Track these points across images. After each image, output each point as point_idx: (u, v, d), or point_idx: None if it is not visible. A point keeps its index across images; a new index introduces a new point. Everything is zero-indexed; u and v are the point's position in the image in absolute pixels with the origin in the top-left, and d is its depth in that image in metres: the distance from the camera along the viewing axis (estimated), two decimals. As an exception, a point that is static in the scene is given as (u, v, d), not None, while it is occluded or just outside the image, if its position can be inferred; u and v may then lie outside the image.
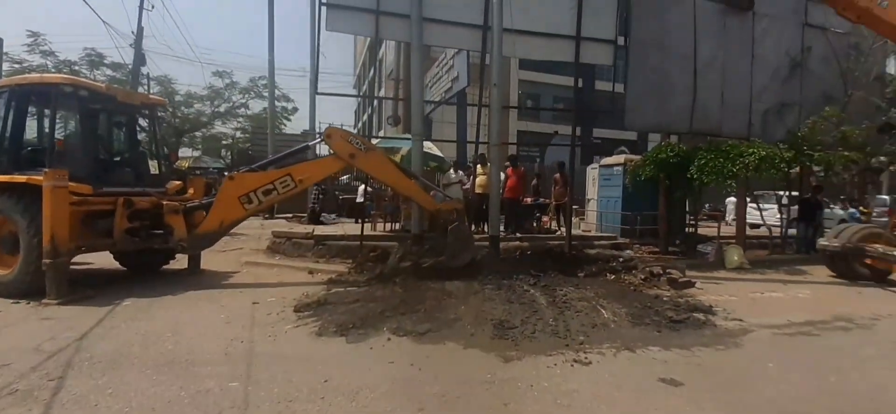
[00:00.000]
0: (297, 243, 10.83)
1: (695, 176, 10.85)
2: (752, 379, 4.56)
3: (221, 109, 35.81)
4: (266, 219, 19.04)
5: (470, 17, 9.88)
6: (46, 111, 7.57)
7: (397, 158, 11.40)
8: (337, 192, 22.39)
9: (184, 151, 36.68)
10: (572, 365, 4.67)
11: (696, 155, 11.01)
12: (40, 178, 6.52)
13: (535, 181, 15.84)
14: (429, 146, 12.33)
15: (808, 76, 12.90)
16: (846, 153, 12.13)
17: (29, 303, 6.48)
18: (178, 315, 6.10)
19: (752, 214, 14.17)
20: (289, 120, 38.56)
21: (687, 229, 13.26)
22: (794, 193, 13.92)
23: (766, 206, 15.14)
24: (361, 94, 43.06)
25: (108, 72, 29.90)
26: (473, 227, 11.35)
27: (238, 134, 39.38)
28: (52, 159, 7.12)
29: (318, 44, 10.59)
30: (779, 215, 14.15)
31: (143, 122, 9.08)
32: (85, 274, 8.43)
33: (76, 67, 28.58)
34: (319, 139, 9.00)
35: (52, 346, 4.88)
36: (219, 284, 8.10)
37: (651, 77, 11.32)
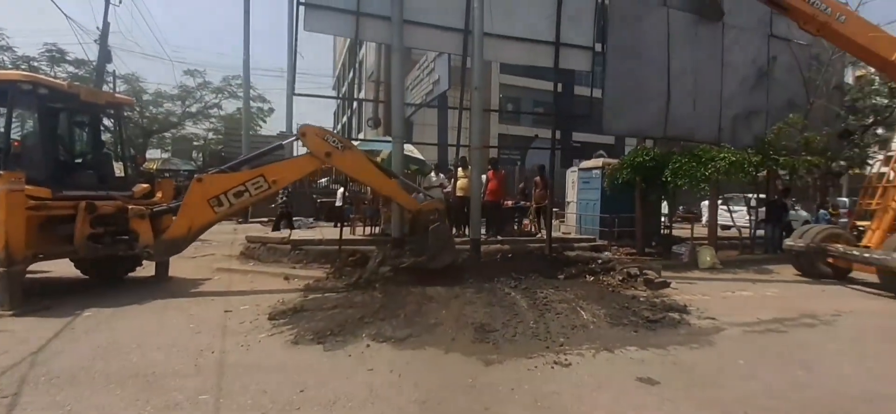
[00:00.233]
0: (273, 249, 10.61)
1: (669, 179, 11.06)
2: (725, 376, 4.66)
3: (193, 109, 35.15)
4: (239, 223, 18.75)
5: (451, 20, 9.88)
6: (2, 110, 7.15)
7: (378, 160, 11.32)
8: (315, 196, 22.17)
9: (152, 153, 35.98)
10: (553, 367, 4.68)
11: (671, 159, 11.23)
12: (-6, 180, 6.13)
13: (522, 185, 15.97)
14: (409, 149, 12.26)
15: (773, 84, 13.42)
16: (809, 158, 12.60)
17: (-20, 315, 6.11)
18: (143, 326, 5.82)
19: (723, 216, 14.51)
20: (265, 121, 38.13)
21: (663, 231, 13.50)
22: (762, 196, 14.31)
23: (736, 208, 15.53)
24: (341, 95, 42.66)
25: (71, 69, 28.99)
26: (454, 230, 11.33)
27: (210, 135, 38.69)
28: (8, 161, 6.79)
29: (296, 43, 10.44)
30: (748, 217, 14.53)
31: (107, 122, 8.71)
32: (42, 283, 7.96)
33: (36, 64, 27.68)
34: (294, 138, 8.78)
35: (6, 360, 4.57)
36: (188, 292, 7.79)
37: (627, 83, 11.61)
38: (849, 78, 17.47)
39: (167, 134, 36.75)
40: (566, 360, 4.83)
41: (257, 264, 10.21)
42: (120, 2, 20.67)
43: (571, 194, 15.66)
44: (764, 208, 14.10)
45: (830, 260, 10.09)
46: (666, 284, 8.54)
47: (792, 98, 13.56)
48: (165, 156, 38.81)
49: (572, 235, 13.83)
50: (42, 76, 8.15)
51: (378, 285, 7.56)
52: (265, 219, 19.40)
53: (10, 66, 24.82)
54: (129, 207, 7.51)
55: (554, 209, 12.71)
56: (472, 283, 7.76)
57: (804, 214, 16.72)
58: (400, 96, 9.93)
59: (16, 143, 7.31)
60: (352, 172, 8.56)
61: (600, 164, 14.09)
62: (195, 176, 8.01)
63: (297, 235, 12.04)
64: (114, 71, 21.06)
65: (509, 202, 14.04)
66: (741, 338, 5.94)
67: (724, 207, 14.50)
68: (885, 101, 14.77)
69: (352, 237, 11.57)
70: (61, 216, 6.97)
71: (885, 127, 15.90)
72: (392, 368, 4.58)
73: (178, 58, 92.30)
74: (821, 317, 6.98)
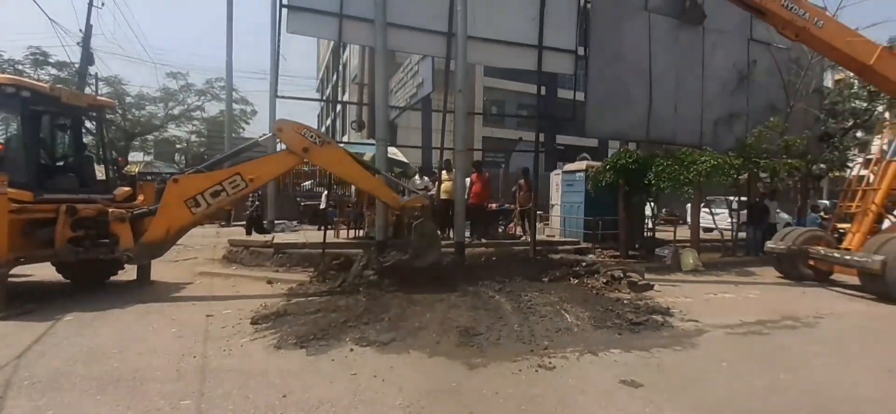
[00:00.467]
0: (256, 252, 10.51)
1: (653, 182, 11.15)
2: (708, 378, 4.69)
3: (175, 112, 34.93)
4: (222, 226, 18.58)
5: (435, 23, 9.89)
6: None
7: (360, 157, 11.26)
8: (299, 199, 22.03)
9: (135, 156, 35.58)
10: (537, 370, 4.69)
11: (654, 162, 11.32)
12: (-24, 184, 6.05)
13: (515, 188, 15.94)
14: (394, 152, 12.23)
15: (753, 88, 13.61)
16: (789, 160, 12.75)
17: (-37, 318, 6.04)
18: (125, 330, 5.77)
19: (705, 219, 14.67)
20: (247, 123, 37.95)
21: (646, 233, 13.60)
22: (744, 199, 14.49)
23: (718, 210, 15.70)
24: (324, 98, 42.45)
25: (54, 71, 28.80)
26: (439, 233, 11.31)
27: (193, 137, 38.44)
28: (-8, 163, 6.67)
29: (279, 46, 10.39)
30: (730, 219, 14.70)
31: (89, 125, 8.65)
32: (24, 287, 7.89)
33: (20, 67, 27.36)
34: (271, 134, 8.66)
35: (-12, 364, 4.56)
36: (170, 297, 7.72)
37: (610, 86, 11.71)
38: (828, 81, 17.71)
39: (150, 136, 36.41)
40: (550, 363, 4.85)
41: (240, 268, 10.11)
42: (103, 4, 20.41)
43: (555, 197, 15.72)
44: (745, 211, 14.29)
45: (812, 262, 10.21)
46: (649, 287, 8.61)
47: (772, 101, 13.75)
48: (148, 159, 38.42)
49: (556, 238, 13.90)
50: (25, 79, 8.01)
51: (362, 289, 7.52)
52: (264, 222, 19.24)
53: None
54: (110, 210, 7.42)
55: (538, 212, 12.74)
56: (457, 286, 7.75)
57: (785, 216, 16.98)
58: (384, 99, 9.91)
59: None
60: (331, 168, 8.35)
61: (584, 166, 14.16)
62: (171, 177, 7.89)
63: (281, 238, 11.94)
64: (96, 73, 20.85)
65: (493, 205, 14.07)
66: (724, 340, 5.99)
67: (707, 210, 14.65)
68: (865, 104, 14.98)
69: (336, 240, 11.49)
70: (42, 219, 6.91)
71: (864, 130, 16.13)
72: (376, 372, 4.55)
73: (161, 60, 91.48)
74: (803, 319, 7.06)
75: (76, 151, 8.44)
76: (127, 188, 8.48)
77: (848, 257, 9.08)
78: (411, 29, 9.77)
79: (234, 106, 30.08)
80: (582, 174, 13.95)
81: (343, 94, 29.32)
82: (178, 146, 39.68)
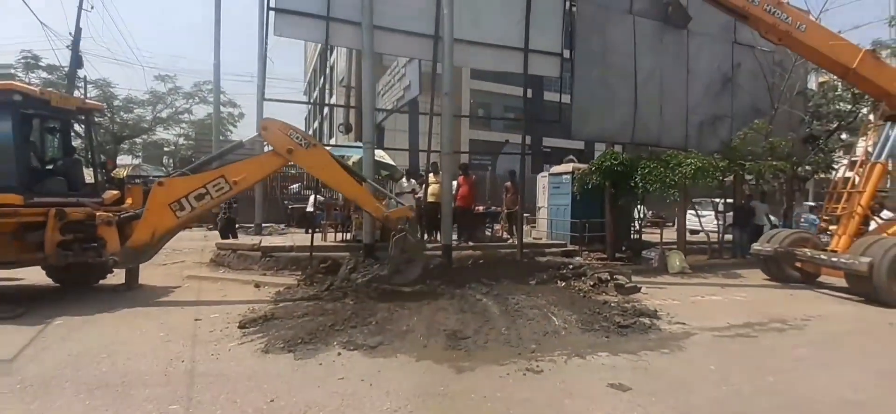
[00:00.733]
0: (243, 256, 10.48)
1: (639, 184, 11.22)
2: (696, 381, 4.70)
3: (163, 115, 34.76)
4: (210, 230, 18.44)
5: (421, 26, 9.93)
6: None
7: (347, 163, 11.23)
8: (286, 202, 21.96)
9: (123, 159, 35.30)
10: (524, 374, 4.70)
11: (639, 164, 11.40)
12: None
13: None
14: (381, 154, 12.24)
15: (738, 91, 13.77)
16: (774, 162, 12.87)
17: (-49, 323, 6.00)
18: (113, 334, 5.77)
19: (692, 220, 14.78)
20: (235, 126, 37.81)
21: (633, 236, 13.68)
22: (729, 200, 14.60)
23: (704, 212, 15.82)
24: (312, 101, 42.35)
25: (44, 75, 28.63)
26: (426, 235, 11.33)
27: (181, 140, 38.25)
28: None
29: (266, 49, 10.35)
30: (716, 221, 14.82)
31: (78, 128, 8.64)
32: (14, 290, 7.89)
33: (12, 70, 27.22)
34: (257, 134, 8.58)
35: (-21, 368, 4.54)
36: (158, 300, 7.72)
37: (595, 89, 11.79)
38: (812, 84, 17.93)
39: (138, 139, 36.14)
40: (538, 366, 4.86)
41: (227, 272, 10.09)
42: (92, 7, 20.26)
43: (542, 199, 15.76)
44: (732, 213, 14.40)
45: (799, 264, 10.26)
46: (636, 289, 8.66)
47: (757, 104, 13.89)
48: (136, 162, 38.11)
49: (543, 241, 13.94)
50: (15, 83, 7.97)
51: (349, 292, 7.49)
52: (237, 225, 19.12)
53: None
54: (97, 213, 7.42)
55: (525, 214, 12.79)
56: (444, 289, 7.76)
57: (775, 221, 17.10)
58: (371, 102, 9.92)
59: None
60: (315, 172, 8.22)
61: (570, 169, 14.21)
62: (157, 180, 7.84)
63: (268, 241, 11.90)
64: (85, 77, 20.66)
65: (480, 208, 14.10)
66: (711, 343, 6.01)
67: (693, 212, 14.76)
68: (849, 106, 15.18)
69: (323, 243, 11.49)
70: (32, 223, 6.91)
71: (848, 132, 16.31)
72: (363, 376, 4.56)
73: (150, 63, 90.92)
74: (790, 322, 7.09)
75: (65, 155, 8.43)
76: (115, 191, 8.48)
77: (835, 259, 9.08)
78: (398, 32, 9.80)
79: (222, 109, 30.00)
80: (568, 176, 13.99)
81: (330, 96, 29.27)
82: (166, 149, 39.44)
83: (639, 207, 12.99)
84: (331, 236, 12.67)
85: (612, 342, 5.78)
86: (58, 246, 7.01)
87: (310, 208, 15.95)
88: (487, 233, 13.48)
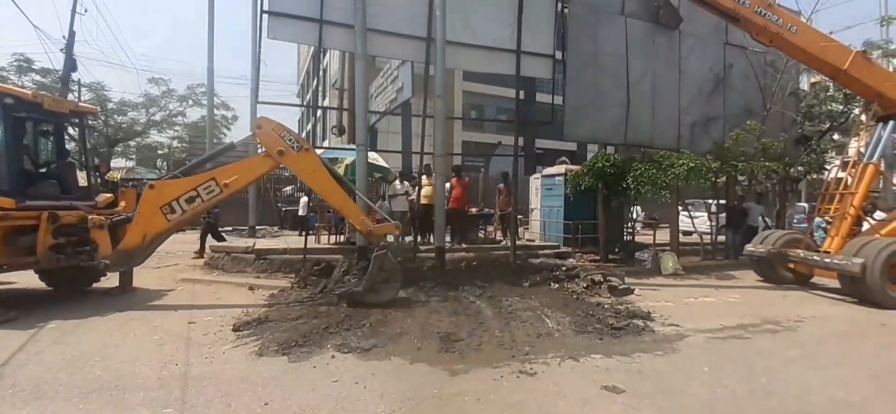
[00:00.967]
0: (237, 258, 10.46)
1: (631, 186, 11.26)
2: (689, 383, 4.71)
3: (157, 118, 34.71)
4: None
5: (414, 28, 9.93)
6: None
7: (341, 168, 11.21)
8: (280, 205, 21.91)
9: (117, 162, 35.17)
10: (518, 376, 4.71)
11: (632, 165, 11.44)
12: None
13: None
14: (374, 157, 12.23)
15: (730, 91, 13.84)
16: (767, 163, 12.93)
17: (-58, 327, 5.97)
18: (107, 337, 5.75)
19: (685, 222, 14.84)
20: (229, 129, 37.80)
21: (625, 237, 13.72)
22: (722, 201, 14.66)
23: (697, 213, 15.88)
24: (305, 103, 42.29)
25: (37, 78, 28.54)
26: (419, 238, 11.33)
27: (175, 143, 38.20)
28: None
29: (260, 52, 10.37)
30: (708, 223, 14.88)
31: (72, 131, 8.60)
32: (6, 294, 7.86)
33: (4, 73, 27.08)
34: (251, 134, 8.54)
35: (-29, 373, 4.52)
36: (152, 304, 7.70)
37: (587, 91, 11.84)
38: (804, 84, 17.99)
39: (132, 142, 36.04)
40: (532, 369, 4.87)
41: (221, 274, 10.08)
42: (86, 11, 20.21)
43: (535, 201, 15.80)
44: (724, 214, 14.46)
45: (792, 265, 10.32)
46: (629, 291, 8.68)
47: (749, 105, 13.96)
48: (130, 164, 37.98)
49: (536, 242, 13.97)
50: (7, 86, 7.94)
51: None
52: (230, 227, 19.06)
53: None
54: (90, 217, 7.39)
55: (518, 216, 12.81)
56: (437, 291, 7.77)
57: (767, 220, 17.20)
58: (364, 104, 9.91)
59: None
60: (304, 177, 8.09)
61: (563, 170, 14.25)
62: (148, 183, 7.81)
63: (262, 244, 11.88)
64: (79, 80, 20.57)
65: (473, 209, 14.11)
66: (705, 345, 6.03)
67: (685, 213, 14.81)
68: (841, 107, 15.22)
69: (317, 246, 11.47)
70: (24, 226, 6.89)
71: (840, 132, 16.37)
72: (357, 379, 4.57)
73: (143, 66, 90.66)
74: (783, 323, 7.12)
75: (59, 158, 8.39)
76: (109, 195, 8.46)
77: (828, 260, 9.10)
78: (391, 34, 9.80)
79: (216, 112, 29.98)
80: (561, 178, 14.03)
81: (323, 99, 29.15)
82: (159, 152, 39.43)
83: (633, 208, 13.02)
84: (324, 239, 12.65)
85: (605, 344, 5.79)
86: (50, 249, 6.99)
87: (302, 211, 15.93)
88: (480, 234, 13.47)
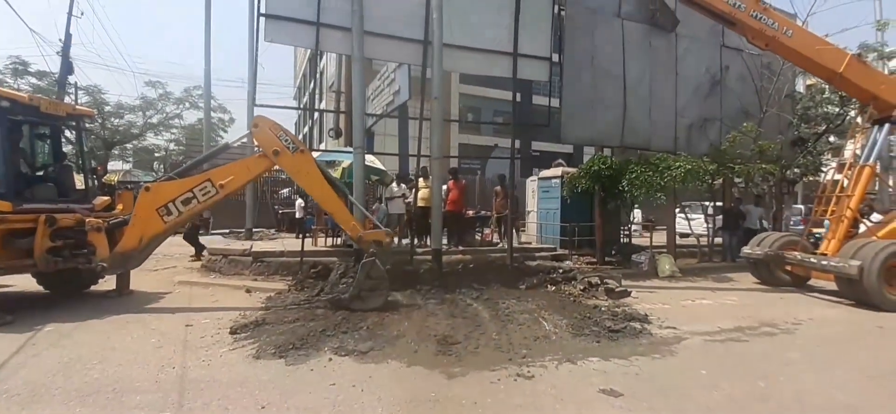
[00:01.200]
0: (234, 261, 10.44)
1: (626, 189, 11.26)
2: (687, 387, 4.71)
3: (154, 120, 34.63)
4: (201, 235, 18.34)
5: (411, 31, 9.94)
6: None
7: (338, 171, 11.21)
8: (276, 207, 21.89)
9: (114, 164, 35.11)
10: (516, 379, 4.71)
11: (628, 168, 11.45)
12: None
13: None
14: (371, 159, 12.24)
15: (727, 94, 13.85)
16: (764, 165, 12.96)
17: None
18: (104, 340, 5.75)
19: (681, 224, 14.84)
20: (226, 131, 37.80)
21: (622, 239, 13.73)
22: (719, 204, 14.68)
23: (694, 216, 15.89)
24: (302, 106, 42.31)
25: (33, 80, 28.47)
26: (416, 240, 11.33)
27: (172, 146, 38.19)
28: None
29: (257, 54, 10.35)
30: (705, 225, 14.89)
31: (69, 134, 8.59)
32: (3, 297, 7.84)
33: (0, 76, 27.03)
34: (248, 133, 8.51)
35: (-35, 377, 4.50)
36: (149, 306, 7.69)
37: (584, 93, 11.83)
38: (800, 86, 18.05)
39: (128, 145, 36.02)
40: (529, 372, 4.87)
41: (219, 277, 10.06)
42: (82, 14, 20.20)
43: (531, 203, 15.80)
44: (721, 216, 14.48)
45: (788, 267, 10.32)
46: (627, 293, 8.67)
47: (745, 107, 13.97)
48: (127, 167, 37.97)
49: (533, 245, 13.97)
50: (3, 89, 7.93)
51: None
52: (227, 230, 19.03)
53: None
54: (86, 220, 7.37)
55: (519, 219, 12.81)
56: (434, 293, 7.78)
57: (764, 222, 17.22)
58: (361, 107, 9.91)
59: None
60: (298, 178, 8.04)
61: (559, 173, 14.25)
62: (143, 185, 7.81)
63: (259, 246, 11.86)
64: (76, 83, 20.54)
65: (470, 212, 14.12)
66: (702, 348, 6.03)
67: (682, 215, 14.82)
68: (837, 109, 15.27)
69: (313, 248, 11.44)
70: (21, 230, 6.88)
71: (836, 135, 16.42)
72: (354, 382, 4.56)
73: (140, 69, 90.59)
74: (781, 325, 7.13)
75: (55, 161, 8.39)
76: (106, 197, 8.45)
77: (825, 262, 9.10)
78: (388, 37, 9.80)
79: (213, 114, 29.95)
80: (557, 180, 14.03)
81: (320, 101, 29.16)
82: (156, 155, 39.45)
83: (633, 210, 13.03)
84: (321, 241, 12.63)
85: (603, 347, 5.79)
86: (47, 252, 6.99)
87: (298, 214, 15.92)
88: (477, 237, 13.48)
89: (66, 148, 8.70)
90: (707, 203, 15.06)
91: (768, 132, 13.69)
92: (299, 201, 16.40)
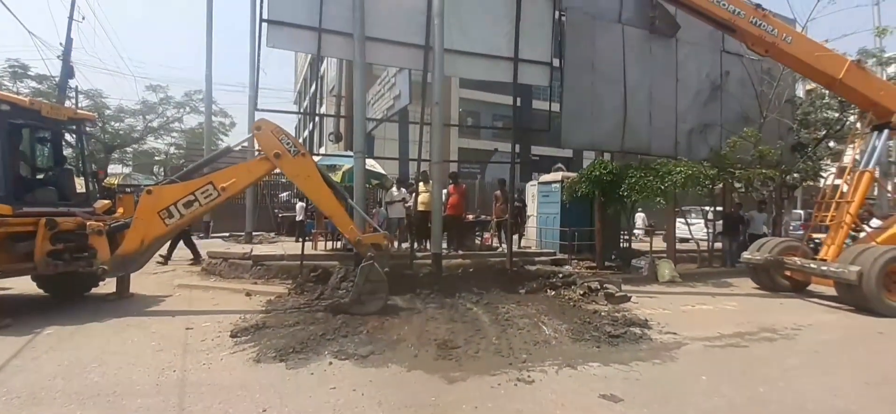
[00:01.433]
0: (234, 264, 10.46)
1: (626, 194, 11.28)
2: (687, 392, 4.71)
3: (154, 124, 34.60)
4: (201, 238, 18.37)
5: (412, 36, 9.96)
6: None
7: (339, 175, 11.22)
8: (276, 211, 21.90)
9: (114, 168, 35.14)
10: (516, 384, 4.71)
11: (628, 173, 11.47)
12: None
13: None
14: (371, 163, 12.24)
15: (727, 99, 13.87)
16: (764, 170, 12.97)
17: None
18: (104, 344, 5.75)
19: (681, 229, 14.86)
20: (226, 135, 37.74)
21: (622, 244, 13.74)
22: (719, 209, 14.68)
23: (694, 221, 15.89)
24: (302, 110, 42.38)
25: (33, 84, 28.43)
26: (416, 244, 11.33)
27: (172, 150, 38.19)
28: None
29: (259, 59, 10.40)
30: (705, 230, 14.89)
31: (69, 138, 8.62)
32: (3, 300, 7.83)
33: None
34: (250, 136, 8.54)
35: (-36, 381, 4.50)
36: (149, 310, 7.69)
37: (584, 98, 11.85)
38: (800, 92, 18.06)
39: (129, 149, 35.99)
40: (529, 377, 4.88)
41: (219, 280, 10.07)
42: (83, 18, 20.23)
43: (531, 208, 15.81)
44: (721, 221, 14.48)
45: (788, 273, 10.33)
46: (626, 298, 8.69)
47: (745, 112, 14.00)
48: (127, 171, 37.99)
49: (533, 249, 13.98)
50: (4, 92, 7.95)
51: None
52: (227, 234, 19.07)
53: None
54: (87, 223, 7.39)
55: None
56: (434, 298, 7.78)
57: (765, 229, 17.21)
58: (361, 112, 9.93)
59: None
60: (298, 181, 8.02)
61: (559, 177, 14.26)
62: (145, 188, 7.83)
63: (259, 250, 11.86)
64: (76, 86, 20.58)
65: (470, 216, 14.13)
66: (703, 353, 6.03)
67: (682, 220, 14.82)
68: (836, 114, 15.28)
69: (314, 252, 11.43)
70: (22, 233, 6.88)
71: (836, 140, 16.42)
72: (354, 386, 4.57)
73: (141, 73, 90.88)
74: (781, 331, 7.13)
75: (56, 164, 8.41)
76: (107, 201, 8.45)
77: (824, 268, 9.10)
78: (389, 42, 9.83)
79: (213, 118, 29.96)
80: (557, 185, 14.04)
81: (321, 106, 29.19)
82: (157, 158, 39.39)
83: (637, 214, 13.03)
84: (322, 245, 12.64)
85: (603, 352, 5.80)
86: (48, 255, 6.98)
87: (299, 217, 15.93)
88: (477, 241, 13.49)
89: (67, 151, 8.71)
90: (707, 208, 15.07)
91: (768, 137, 13.70)
92: (300, 204, 16.41)
